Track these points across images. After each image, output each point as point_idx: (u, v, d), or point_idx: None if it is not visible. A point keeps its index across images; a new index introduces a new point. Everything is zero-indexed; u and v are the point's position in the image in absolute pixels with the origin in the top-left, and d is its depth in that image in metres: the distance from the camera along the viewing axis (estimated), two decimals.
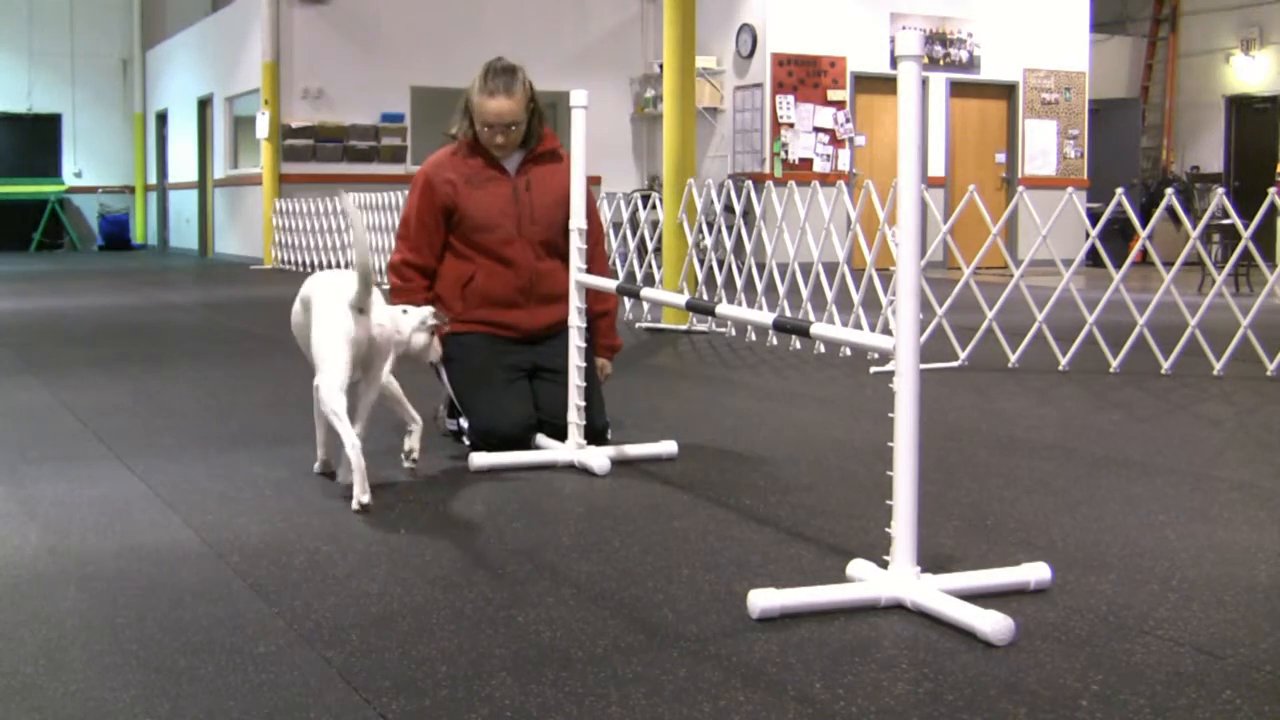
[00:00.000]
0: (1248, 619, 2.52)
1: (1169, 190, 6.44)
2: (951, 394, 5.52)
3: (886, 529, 2.61)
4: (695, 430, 4.58)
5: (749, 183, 8.61)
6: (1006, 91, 16.66)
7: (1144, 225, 7.36)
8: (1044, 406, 5.24)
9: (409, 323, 3.87)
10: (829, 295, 6.99)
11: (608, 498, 3.56)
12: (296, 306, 3.72)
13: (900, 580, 2.57)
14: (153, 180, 22.00)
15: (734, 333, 7.92)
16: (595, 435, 4.05)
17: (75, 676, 2.21)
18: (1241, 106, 18.00)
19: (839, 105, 15.59)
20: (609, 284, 3.89)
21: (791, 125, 15.36)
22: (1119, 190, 6.50)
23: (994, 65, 16.36)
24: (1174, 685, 2.17)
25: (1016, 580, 2.68)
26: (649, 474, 3.85)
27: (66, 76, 21.53)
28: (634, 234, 9.02)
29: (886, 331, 4.32)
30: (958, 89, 16.29)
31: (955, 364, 6.38)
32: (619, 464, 3.90)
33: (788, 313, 7.47)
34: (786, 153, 15.30)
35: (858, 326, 6.78)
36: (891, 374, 2.55)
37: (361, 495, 3.36)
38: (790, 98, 15.35)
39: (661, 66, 10.01)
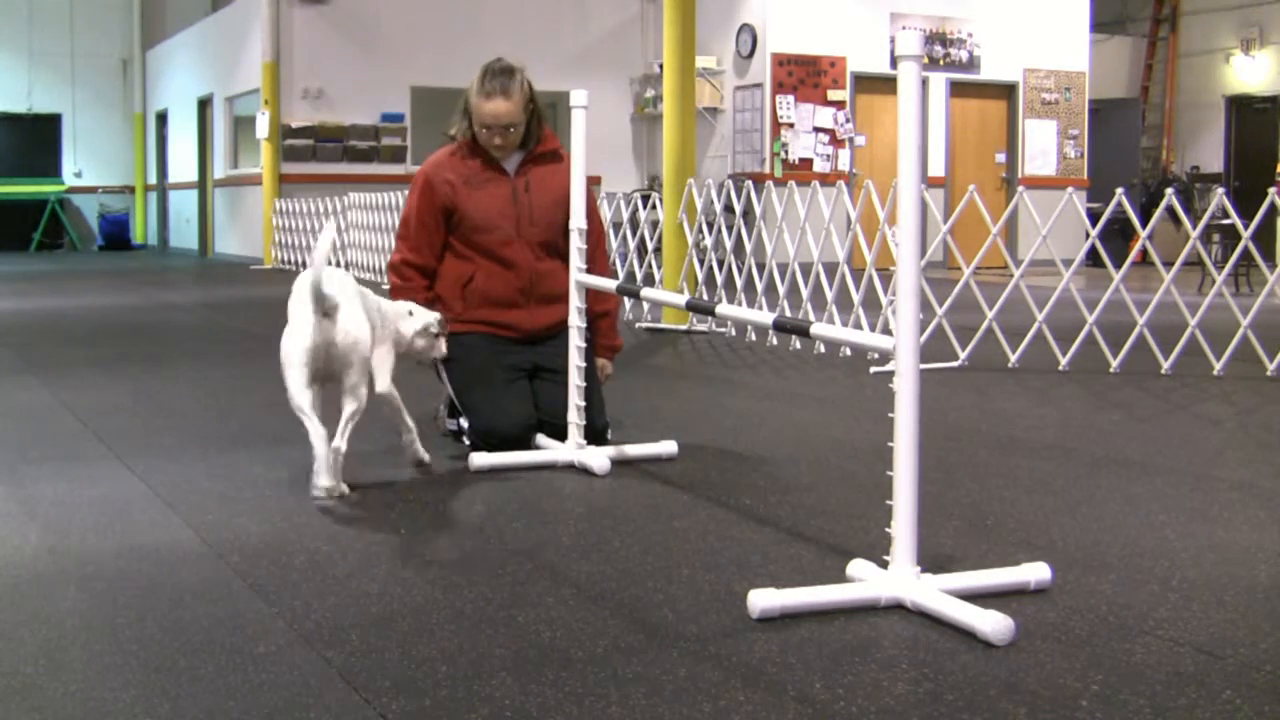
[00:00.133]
0: (1248, 619, 2.52)
1: (1169, 190, 6.44)
2: (951, 394, 5.52)
3: (886, 529, 2.61)
4: (695, 430, 4.58)
5: (749, 183, 8.61)
6: (1006, 91, 16.65)
7: (1144, 225, 7.36)
8: (1044, 406, 5.23)
9: (412, 325, 3.87)
10: (829, 295, 6.99)
11: (608, 498, 3.56)
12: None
13: (900, 580, 2.57)
14: (153, 180, 22.00)
15: (734, 333, 7.92)
16: (595, 435, 4.05)
17: (75, 676, 2.21)
18: (1241, 106, 18.00)
19: (839, 105, 15.59)
20: (609, 284, 3.88)
21: (791, 125, 15.36)
22: (1119, 190, 6.50)
23: (994, 65, 16.35)
24: (1174, 685, 2.17)
25: (1016, 580, 2.68)
26: (649, 474, 3.85)
27: (66, 76, 21.53)
28: (634, 234, 9.02)
29: (886, 331, 4.32)
30: (958, 89, 16.29)
31: (955, 364, 6.38)
32: (619, 464, 3.90)
33: (788, 313, 7.47)
34: (786, 153, 15.30)
35: (858, 326, 6.78)
36: (891, 374, 2.55)
37: (325, 482, 3.44)
38: (790, 98, 15.35)
39: (661, 66, 10.01)
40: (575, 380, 3.89)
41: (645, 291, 3.69)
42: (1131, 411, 5.11)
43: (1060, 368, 6.24)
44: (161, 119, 21.43)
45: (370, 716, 2.04)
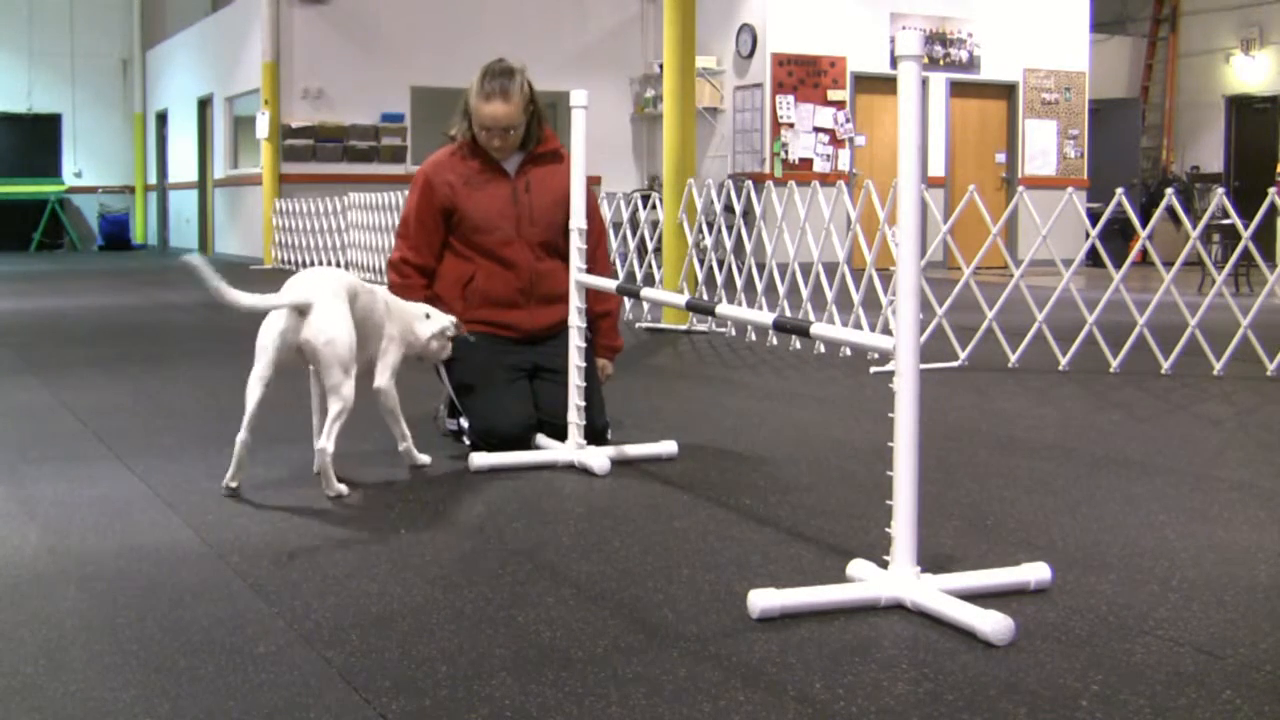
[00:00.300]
0: (1248, 619, 2.52)
1: (1169, 190, 6.44)
2: (951, 394, 5.52)
3: (886, 529, 2.61)
4: (695, 430, 4.58)
5: (749, 183, 8.61)
6: (1006, 91, 16.66)
7: (1144, 225, 7.36)
8: (1044, 406, 5.23)
9: (428, 328, 3.88)
10: (829, 295, 6.99)
11: (608, 498, 3.56)
12: None
13: (900, 580, 2.57)
14: (153, 180, 22.00)
15: (734, 333, 7.92)
16: (595, 435, 4.05)
17: (75, 676, 2.21)
18: (1241, 106, 18.00)
19: (839, 105, 15.59)
20: (609, 284, 3.88)
21: (791, 125, 15.36)
22: (1119, 190, 6.50)
23: (994, 65, 16.36)
24: (1174, 685, 2.17)
25: (1016, 580, 2.68)
26: (649, 474, 3.85)
27: (66, 76, 21.53)
28: (634, 234, 9.02)
29: (886, 331, 4.32)
30: (958, 89, 16.29)
31: (955, 364, 6.38)
32: (619, 464, 3.90)
33: (788, 313, 7.47)
34: (786, 153, 15.30)
35: (858, 326, 6.78)
36: (891, 374, 2.55)
37: (230, 480, 3.52)
38: (790, 98, 15.35)
39: (661, 66, 10.01)
40: (575, 380, 3.89)
41: (645, 291, 3.69)
42: (1131, 411, 5.11)
43: (1060, 368, 6.24)
44: (161, 119, 21.43)
45: (370, 716, 2.04)
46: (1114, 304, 6.39)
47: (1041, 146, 16.79)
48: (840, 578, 2.71)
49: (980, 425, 4.77)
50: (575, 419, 3.92)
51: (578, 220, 3.92)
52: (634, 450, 4.02)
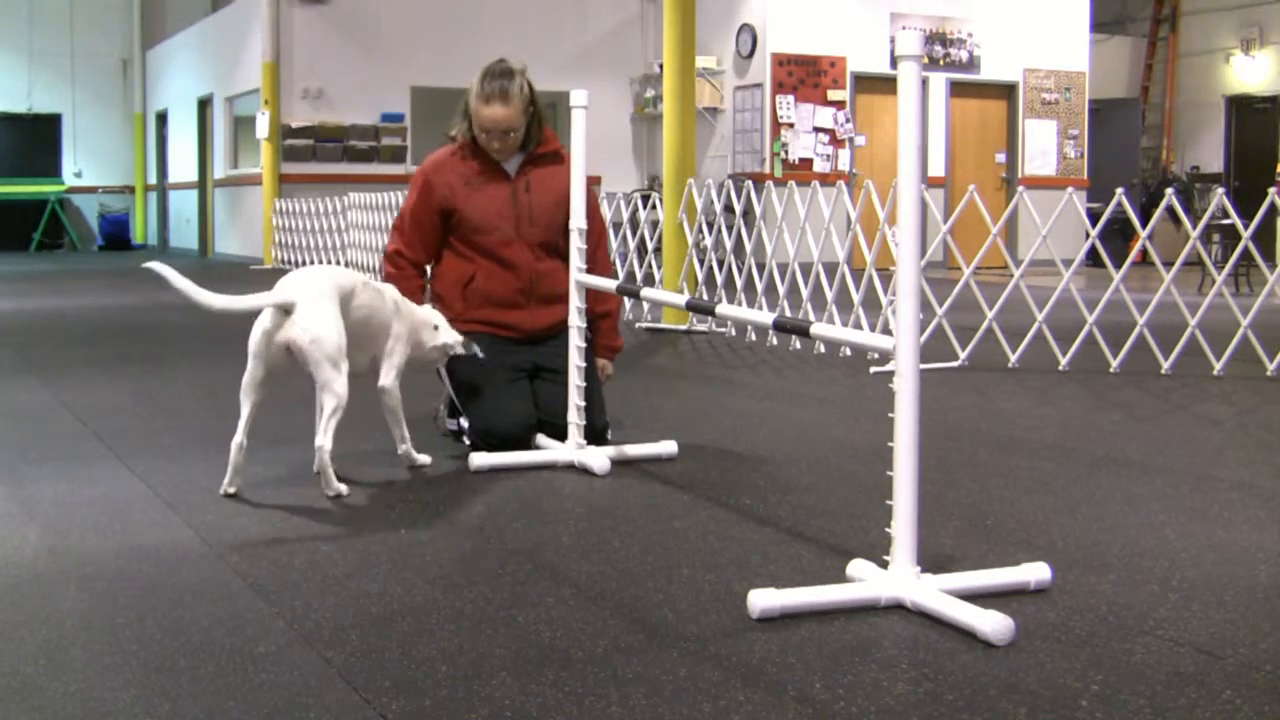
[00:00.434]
0: (1248, 619, 2.52)
1: (1169, 190, 6.45)
2: (951, 394, 5.52)
3: (886, 529, 2.61)
4: (695, 430, 4.58)
5: (749, 183, 8.61)
6: (1006, 91, 16.66)
7: (1144, 225, 7.36)
8: (1044, 406, 5.23)
9: (434, 340, 3.89)
10: (829, 295, 6.99)
11: (608, 498, 3.56)
12: None
13: (900, 580, 2.57)
14: (153, 180, 22.00)
15: (734, 333, 7.92)
16: (595, 435, 4.05)
17: (75, 676, 2.21)
18: (1241, 106, 18.00)
19: (839, 105, 15.59)
20: (609, 284, 3.88)
21: (791, 125, 15.36)
22: (1119, 190, 6.50)
23: (994, 65, 16.36)
24: (1174, 685, 2.17)
25: (1016, 580, 2.68)
26: (649, 474, 3.85)
27: (66, 76, 21.53)
28: (634, 234, 9.02)
29: (886, 331, 4.32)
30: (958, 89, 16.29)
31: (955, 364, 6.38)
32: (619, 464, 3.90)
33: (788, 313, 7.47)
34: (786, 153, 15.30)
35: (858, 326, 6.78)
36: (891, 374, 2.55)
37: (228, 486, 3.53)
38: (790, 98, 15.35)
39: (661, 66, 10.01)
40: (575, 380, 3.89)
41: (645, 291, 3.69)
42: (1131, 411, 5.11)
43: (1060, 368, 6.24)
44: (161, 119, 21.43)
45: (370, 716, 2.04)
46: (1114, 304, 6.39)
47: (1041, 146, 16.79)
48: (840, 578, 2.71)
49: (980, 425, 4.77)
50: (575, 419, 3.92)
51: (578, 220, 3.92)
52: (634, 450, 4.02)
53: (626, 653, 2.32)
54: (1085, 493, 3.63)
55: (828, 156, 15.51)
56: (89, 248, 21.43)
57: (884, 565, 2.64)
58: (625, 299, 8.39)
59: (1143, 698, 2.11)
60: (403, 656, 2.30)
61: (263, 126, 15.69)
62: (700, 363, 6.70)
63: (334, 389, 3.45)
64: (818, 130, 15.48)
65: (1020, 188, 6.75)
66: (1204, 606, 2.59)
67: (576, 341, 3.89)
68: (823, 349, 6.99)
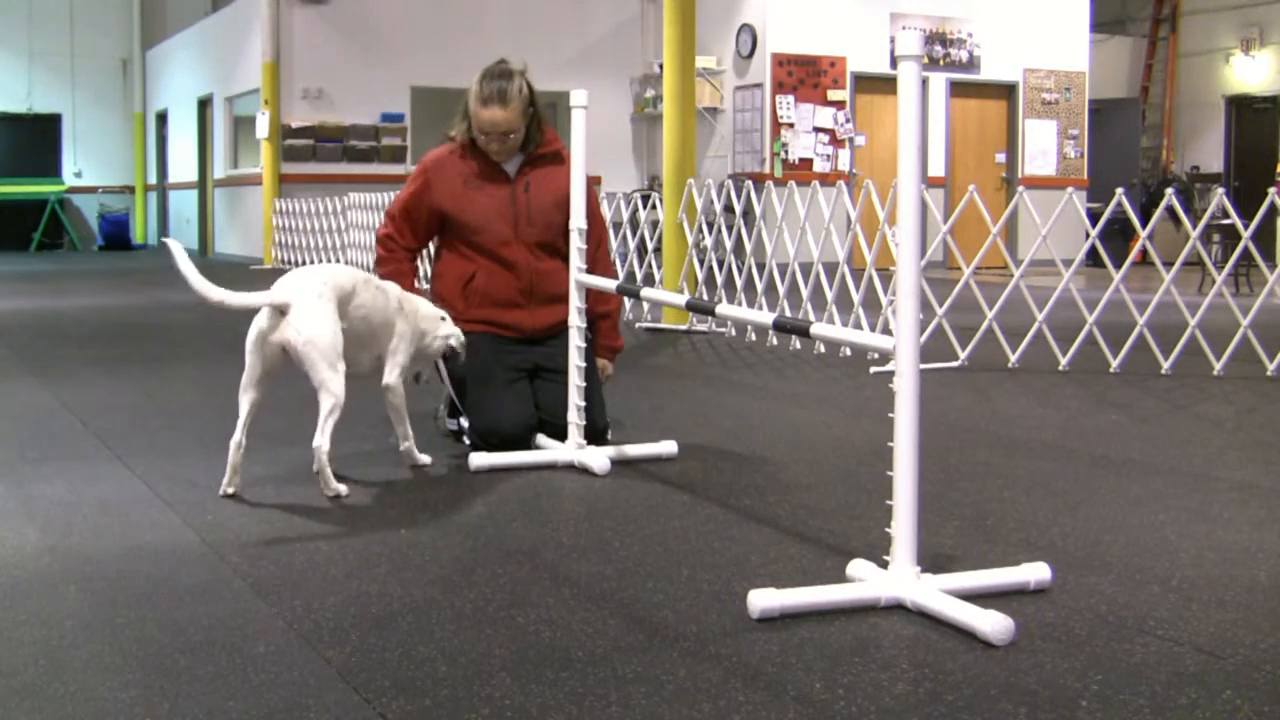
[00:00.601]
0: (1248, 619, 2.52)
1: (1169, 190, 6.45)
2: (951, 394, 5.52)
3: (886, 529, 2.61)
4: (695, 430, 4.58)
5: (749, 183, 8.61)
6: (1006, 91, 16.66)
7: (1144, 225, 7.36)
8: (1044, 407, 5.23)
9: (438, 331, 3.89)
10: (829, 295, 6.99)
11: (608, 498, 3.56)
12: None
13: (900, 580, 2.57)
14: (153, 180, 22.00)
15: (734, 333, 7.92)
16: (595, 435, 4.05)
17: (75, 676, 2.21)
18: (1241, 106, 18.00)
19: (839, 105, 15.60)
20: (609, 284, 3.88)
21: (791, 125, 15.36)
22: (1119, 190, 6.50)
23: (994, 65, 16.36)
24: (1174, 685, 2.17)
25: (1016, 580, 2.68)
26: (649, 474, 3.85)
27: (66, 76, 21.54)
28: (634, 234, 9.02)
29: (886, 331, 4.32)
30: (958, 89, 16.29)
31: (955, 364, 6.38)
32: (619, 464, 3.90)
33: (788, 313, 7.47)
34: (786, 153, 15.30)
35: (858, 326, 6.78)
36: (891, 374, 2.55)
37: (226, 486, 3.53)
38: (790, 98, 15.35)
39: (661, 66, 10.01)
40: (575, 380, 3.89)
41: (645, 291, 3.69)
42: (1131, 411, 5.11)
43: (1060, 368, 6.24)
44: (161, 119, 21.44)
45: (370, 716, 2.04)
46: (1114, 304, 6.39)
47: (1041, 146, 16.79)
48: (840, 578, 2.71)
49: (980, 425, 4.77)
50: (575, 419, 3.92)
51: (578, 220, 3.92)
52: (634, 450, 4.02)
53: (626, 653, 2.32)
54: (1085, 493, 3.63)
55: (828, 156, 15.51)
56: (89, 248, 21.43)
57: (884, 565, 2.64)
58: (625, 299, 8.39)
59: (1143, 698, 2.11)
60: (403, 656, 2.30)
61: (263, 126, 15.69)
62: (700, 363, 6.70)
63: (330, 389, 3.45)
64: (818, 130, 15.49)
65: (1020, 188, 6.75)
66: (1204, 606, 2.59)
67: (576, 341, 3.89)
68: (823, 349, 6.99)
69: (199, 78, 19.17)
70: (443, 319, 3.93)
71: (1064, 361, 6.27)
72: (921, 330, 2.81)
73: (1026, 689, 2.15)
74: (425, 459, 3.92)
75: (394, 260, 4.22)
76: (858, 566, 2.71)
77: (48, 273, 15.20)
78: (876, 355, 6.42)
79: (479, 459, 3.87)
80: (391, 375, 3.78)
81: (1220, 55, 18.06)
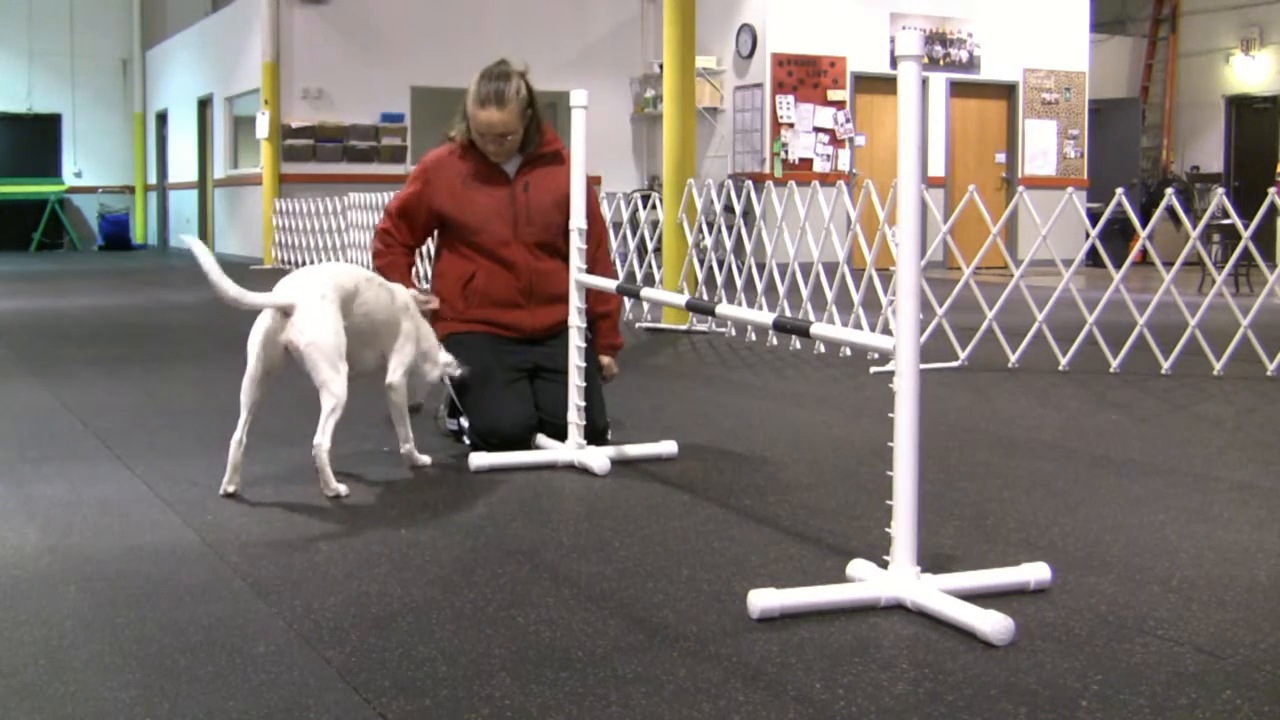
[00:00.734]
0: (1248, 619, 2.52)
1: (1169, 190, 6.45)
2: (951, 394, 5.52)
3: (886, 529, 2.61)
4: (695, 430, 4.58)
5: (749, 183, 8.61)
6: (1006, 91, 16.66)
7: (1144, 225, 7.36)
8: (1044, 407, 5.23)
9: (439, 358, 3.91)
10: (829, 295, 6.99)
11: (608, 498, 3.56)
12: None
13: (900, 580, 2.57)
14: (153, 180, 22.00)
15: (734, 333, 7.92)
16: (595, 435, 4.05)
17: (75, 676, 2.21)
18: (1241, 106, 18.00)
19: (839, 105, 15.60)
20: (609, 284, 3.88)
21: (791, 125, 15.36)
22: (1119, 190, 6.50)
23: (994, 65, 16.36)
24: (1174, 685, 2.17)
25: (1016, 580, 2.68)
26: (649, 474, 3.85)
27: (66, 76, 21.54)
28: (634, 234, 9.02)
29: (886, 331, 4.32)
30: (958, 89, 16.29)
31: (955, 364, 6.38)
32: (619, 464, 3.90)
33: (788, 313, 7.47)
34: (786, 153, 15.30)
35: (858, 326, 6.78)
36: (891, 374, 2.55)
37: (227, 485, 3.53)
38: (790, 98, 15.35)
39: (661, 66, 10.01)
40: (575, 380, 3.89)
41: (645, 291, 3.69)
42: (1131, 411, 5.11)
43: (1060, 368, 6.24)
44: (161, 119, 21.44)
45: (370, 716, 2.04)
46: (1114, 304, 6.39)
47: (1041, 146, 16.79)
48: (840, 578, 2.71)
49: (980, 425, 4.77)
50: (575, 419, 3.92)
51: (578, 220, 3.92)
52: (634, 450, 4.02)
53: (626, 653, 2.32)
54: (1085, 493, 3.63)
55: (828, 156, 15.51)
56: (89, 248, 21.43)
57: (884, 565, 2.64)
58: (625, 299, 8.40)
59: (1143, 698, 2.11)
60: (403, 656, 2.30)
61: (263, 126, 15.69)
62: (700, 363, 6.70)
63: (332, 389, 3.46)
64: (818, 130, 15.49)
65: (1020, 188, 6.75)
66: (1204, 606, 2.59)
67: (576, 341, 3.89)
68: (823, 349, 6.99)
69: (199, 78, 19.17)
70: (442, 346, 3.97)
71: (1064, 361, 6.27)
72: (921, 330, 2.81)
73: (1026, 689, 2.15)
74: (425, 460, 3.92)
75: (390, 253, 4.24)
76: (858, 566, 2.71)
77: (48, 273, 15.20)
78: (876, 355, 6.42)
79: (479, 459, 3.87)
80: (395, 375, 3.79)
81: (1220, 55, 18.06)
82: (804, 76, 15.41)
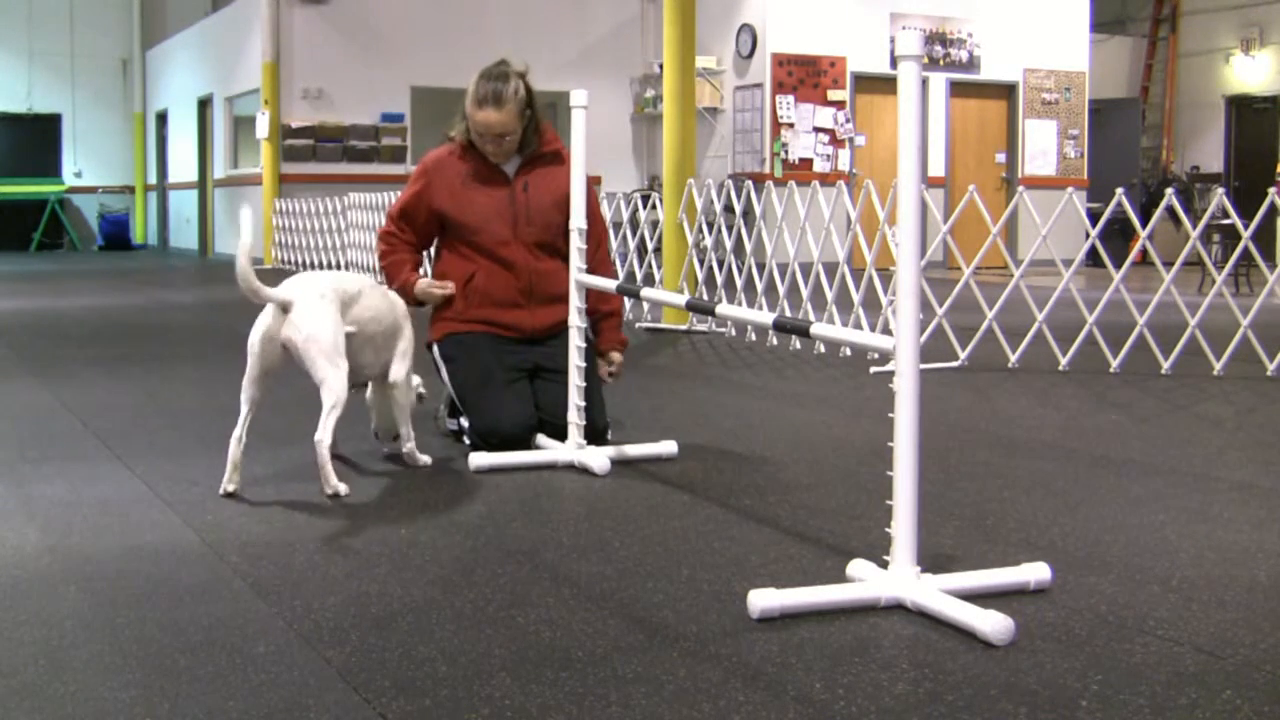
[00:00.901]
0: (1248, 619, 2.52)
1: (1169, 190, 6.45)
2: (951, 394, 5.52)
3: (886, 529, 2.61)
4: (695, 430, 4.58)
5: (749, 183, 8.61)
6: (1006, 91, 16.66)
7: (1144, 225, 7.36)
8: (1044, 407, 5.23)
9: (412, 382, 3.94)
10: (829, 295, 6.99)
11: (608, 498, 3.56)
12: None
13: (900, 580, 2.57)
14: (153, 180, 22.00)
15: (734, 333, 7.92)
16: (595, 435, 4.05)
17: (75, 676, 2.21)
18: (1241, 106, 18.00)
19: (839, 105, 15.59)
20: (609, 284, 3.88)
21: (791, 125, 15.36)
22: (1119, 190, 6.50)
23: (994, 65, 16.36)
24: (1174, 685, 2.17)
25: (1016, 580, 2.68)
26: (649, 474, 3.85)
27: (66, 76, 21.54)
28: (634, 234, 9.02)
29: (886, 331, 4.32)
30: (958, 89, 16.29)
31: (955, 364, 6.38)
32: (619, 464, 3.90)
33: (788, 313, 7.47)
34: (786, 153, 15.30)
35: (858, 326, 6.78)
36: (891, 374, 2.55)
37: (226, 484, 3.52)
38: (790, 98, 15.35)
39: (661, 66, 10.01)
40: (575, 380, 3.89)
41: (645, 291, 3.69)
42: (1131, 411, 5.11)
43: (1060, 368, 6.24)
44: (161, 119, 21.44)
45: (370, 716, 2.04)
46: (1114, 304, 6.39)
47: (1041, 146, 16.79)
48: (840, 578, 2.71)
49: (980, 425, 4.77)
50: (575, 419, 3.92)
51: (578, 220, 3.92)
52: (634, 450, 4.02)
53: (626, 653, 2.32)
54: (1085, 493, 3.63)
55: (828, 156, 15.51)
56: (89, 248, 21.44)
57: (884, 565, 2.64)
58: (625, 299, 8.40)
59: (1143, 698, 2.11)
60: (403, 656, 2.30)
61: (263, 126, 15.69)
62: (700, 363, 6.70)
63: (332, 386, 3.47)
64: (818, 130, 15.49)
65: (1020, 188, 6.75)
66: (1204, 606, 2.59)
67: (576, 341, 3.89)
68: (823, 349, 6.99)
69: (199, 78, 19.17)
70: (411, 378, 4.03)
71: (1064, 361, 6.27)
72: (921, 330, 2.81)
73: (1026, 689, 2.15)
74: (425, 460, 3.92)
75: (396, 253, 4.25)
76: (858, 566, 2.71)
77: (48, 273, 15.20)
78: (876, 355, 6.42)
79: (479, 459, 3.87)
80: (398, 373, 3.83)
81: (1220, 55, 18.06)
82: (804, 76, 15.41)
